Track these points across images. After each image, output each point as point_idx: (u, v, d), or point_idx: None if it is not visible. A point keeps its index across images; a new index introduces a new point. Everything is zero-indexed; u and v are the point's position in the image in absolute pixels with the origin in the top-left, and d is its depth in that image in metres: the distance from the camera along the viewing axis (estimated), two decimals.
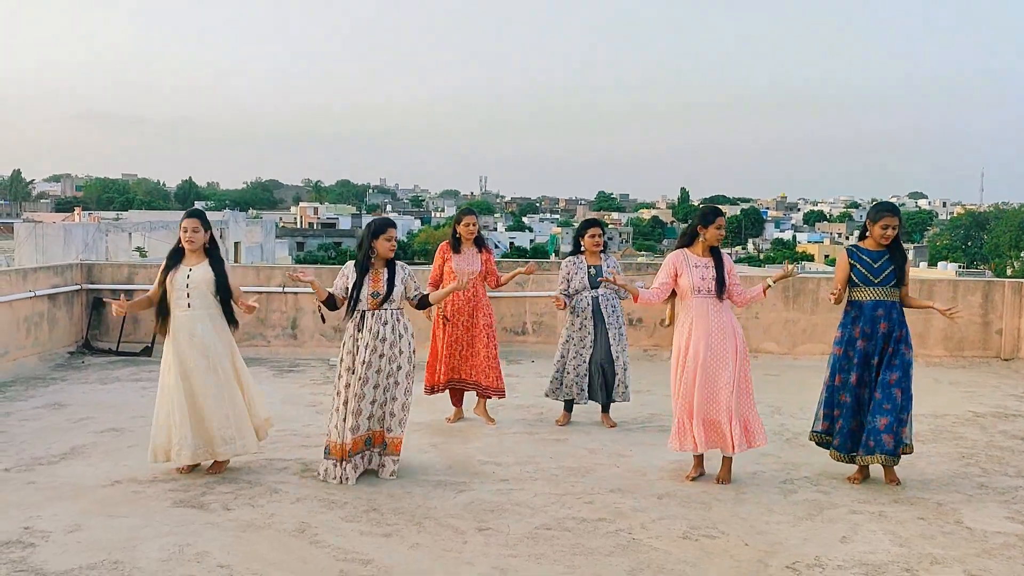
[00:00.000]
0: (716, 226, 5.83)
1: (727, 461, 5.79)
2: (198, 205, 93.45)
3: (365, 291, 5.73)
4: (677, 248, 5.95)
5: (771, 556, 4.54)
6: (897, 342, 5.67)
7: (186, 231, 5.74)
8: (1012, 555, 4.61)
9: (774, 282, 5.80)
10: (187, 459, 5.62)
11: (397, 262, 5.88)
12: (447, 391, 7.35)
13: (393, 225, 5.93)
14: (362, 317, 5.73)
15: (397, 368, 5.74)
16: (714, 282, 5.72)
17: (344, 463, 5.60)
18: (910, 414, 5.72)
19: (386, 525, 4.89)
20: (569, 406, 7.35)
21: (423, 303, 5.95)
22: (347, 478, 5.58)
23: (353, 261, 5.83)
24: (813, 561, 4.48)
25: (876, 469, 5.85)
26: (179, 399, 5.62)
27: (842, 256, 5.90)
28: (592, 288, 7.10)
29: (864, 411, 5.69)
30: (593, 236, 7.15)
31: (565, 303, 7.14)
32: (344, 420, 5.64)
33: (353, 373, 5.66)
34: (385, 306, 5.74)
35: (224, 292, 5.76)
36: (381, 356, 5.69)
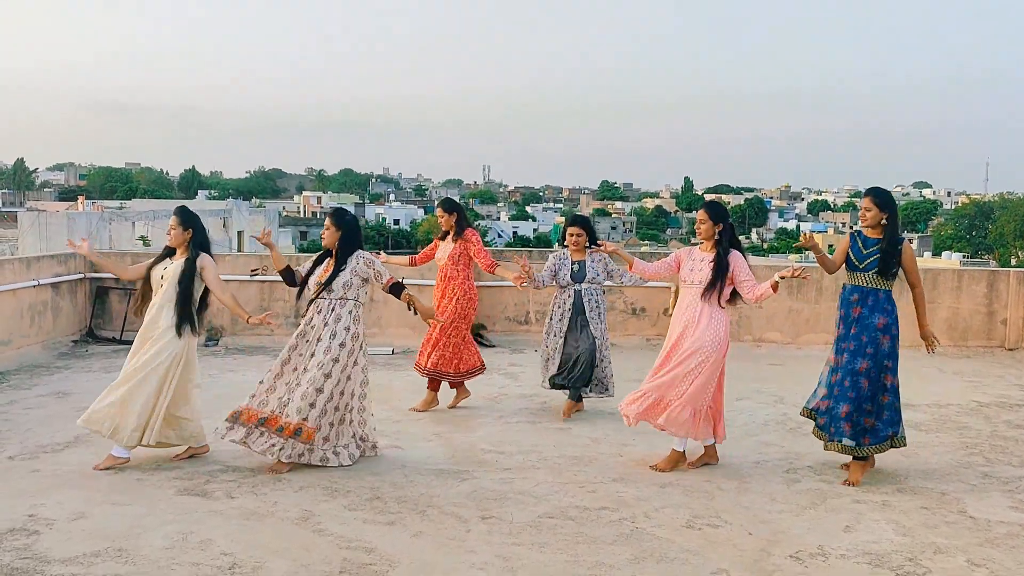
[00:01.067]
0: (695, 221, 5.97)
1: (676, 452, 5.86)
2: (201, 194, 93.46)
3: (314, 278, 5.85)
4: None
5: (774, 545, 4.54)
6: (876, 330, 5.56)
7: (169, 227, 5.89)
8: (1015, 544, 4.61)
9: (781, 278, 5.69)
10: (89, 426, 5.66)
11: (357, 252, 5.82)
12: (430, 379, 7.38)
13: (328, 214, 5.97)
14: (310, 302, 5.82)
15: (311, 355, 5.67)
16: (700, 274, 5.81)
17: (241, 427, 5.58)
18: (897, 405, 5.61)
19: (389, 513, 4.89)
20: (577, 396, 7.34)
21: (395, 289, 5.84)
22: (236, 440, 5.57)
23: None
24: (816, 550, 4.48)
25: (880, 458, 5.84)
26: (123, 381, 5.70)
27: (845, 237, 5.91)
28: (575, 283, 7.17)
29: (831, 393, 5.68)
30: (571, 235, 7.22)
31: (525, 280, 7.16)
32: (259, 386, 5.68)
33: (286, 360, 5.73)
34: (324, 295, 5.74)
35: (182, 287, 5.71)
36: (307, 340, 5.71)
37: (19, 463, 5.73)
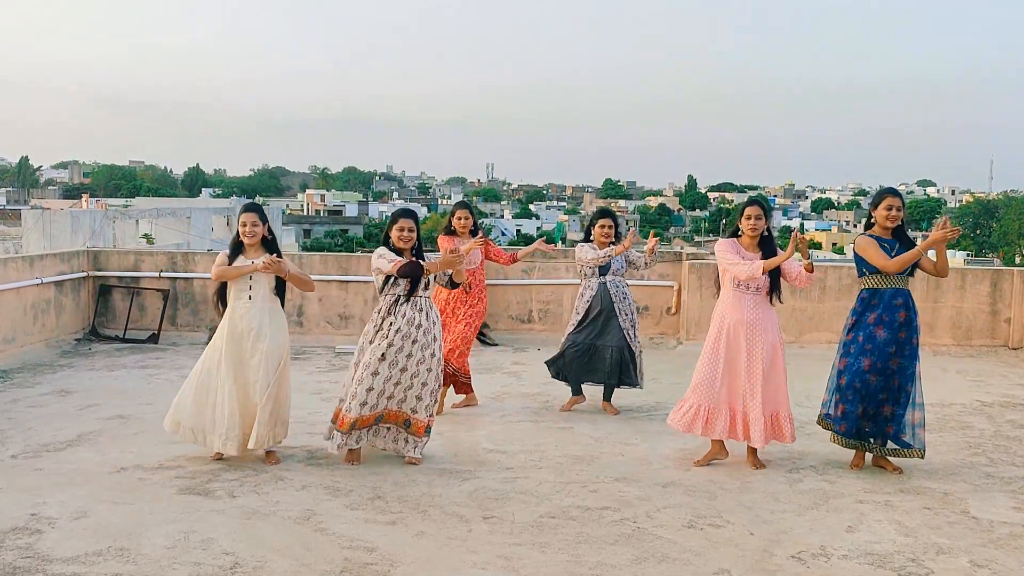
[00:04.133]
0: (745, 216, 5.82)
1: (751, 449, 5.83)
2: (205, 192, 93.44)
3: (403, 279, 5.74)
4: (728, 237, 5.91)
5: (776, 545, 4.53)
6: (918, 332, 5.68)
7: (245, 225, 5.74)
8: (1019, 545, 4.59)
9: (805, 258, 5.64)
10: (233, 450, 5.61)
11: (427, 254, 5.85)
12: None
13: (405, 215, 5.83)
14: (396, 301, 5.73)
15: (431, 355, 5.77)
16: (757, 281, 5.71)
17: (346, 435, 5.66)
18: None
19: (391, 513, 4.89)
20: (577, 388, 7.36)
21: (452, 283, 5.95)
22: (345, 446, 5.67)
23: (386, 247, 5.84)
24: (818, 551, 4.47)
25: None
26: (228, 389, 5.62)
27: (868, 240, 5.70)
28: (600, 275, 7.16)
29: (873, 400, 5.65)
30: (603, 227, 7.24)
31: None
32: (355, 397, 5.65)
33: (383, 360, 5.65)
34: (421, 293, 5.76)
35: (280, 286, 5.79)
36: (414, 342, 5.70)
37: (22, 461, 5.73)
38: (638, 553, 4.40)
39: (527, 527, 4.71)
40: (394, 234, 5.76)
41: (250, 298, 5.70)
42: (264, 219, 5.81)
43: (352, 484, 5.35)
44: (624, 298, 7.20)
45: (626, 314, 7.17)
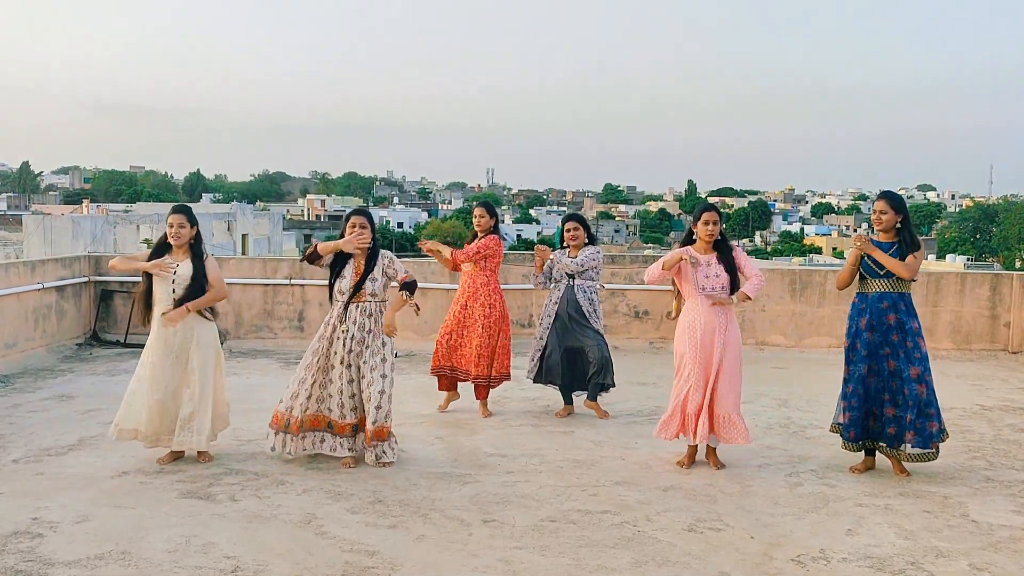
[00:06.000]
0: (703, 222, 5.92)
1: (710, 448, 5.91)
2: (206, 197, 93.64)
3: (346, 283, 5.77)
4: (681, 246, 5.99)
5: (776, 549, 4.54)
6: (913, 334, 5.66)
7: (172, 226, 5.78)
8: (1018, 548, 4.60)
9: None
10: (181, 446, 5.75)
11: (382, 252, 5.84)
12: (438, 377, 7.41)
13: (358, 213, 5.90)
14: (345, 307, 5.76)
15: (382, 360, 5.75)
16: (718, 280, 5.80)
17: (290, 436, 5.72)
18: (937, 406, 5.69)
19: (392, 517, 4.90)
20: (568, 398, 7.38)
21: (409, 286, 5.85)
22: (299, 449, 5.76)
23: None
24: (818, 554, 4.48)
25: (881, 460, 5.87)
26: (156, 387, 5.69)
27: (855, 250, 5.85)
28: (569, 279, 7.26)
29: (875, 402, 5.68)
30: (568, 231, 7.33)
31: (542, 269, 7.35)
32: (309, 397, 5.74)
33: (342, 363, 5.71)
34: (368, 299, 5.76)
35: (200, 291, 5.75)
36: (367, 348, 5.73)
37: (23, 466, 5.74)
38: (638, 556, 4.41)
39: (528, 531, 4.72)
40: (346, 234, 5.81)
41: (175, 302, 5.73)
42: (192, 221, 5.83)
43: (353, 488, 5.36)
44: (591, 302, 7.24)
45: (594, 318, 7.22)
